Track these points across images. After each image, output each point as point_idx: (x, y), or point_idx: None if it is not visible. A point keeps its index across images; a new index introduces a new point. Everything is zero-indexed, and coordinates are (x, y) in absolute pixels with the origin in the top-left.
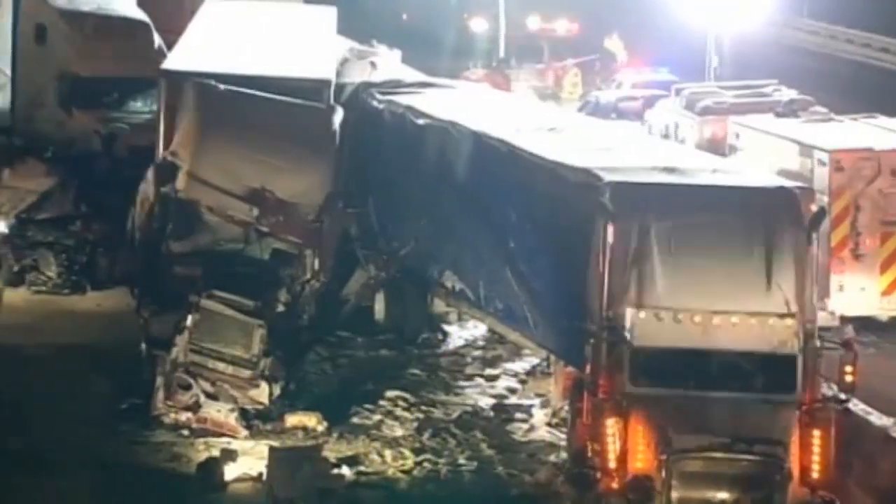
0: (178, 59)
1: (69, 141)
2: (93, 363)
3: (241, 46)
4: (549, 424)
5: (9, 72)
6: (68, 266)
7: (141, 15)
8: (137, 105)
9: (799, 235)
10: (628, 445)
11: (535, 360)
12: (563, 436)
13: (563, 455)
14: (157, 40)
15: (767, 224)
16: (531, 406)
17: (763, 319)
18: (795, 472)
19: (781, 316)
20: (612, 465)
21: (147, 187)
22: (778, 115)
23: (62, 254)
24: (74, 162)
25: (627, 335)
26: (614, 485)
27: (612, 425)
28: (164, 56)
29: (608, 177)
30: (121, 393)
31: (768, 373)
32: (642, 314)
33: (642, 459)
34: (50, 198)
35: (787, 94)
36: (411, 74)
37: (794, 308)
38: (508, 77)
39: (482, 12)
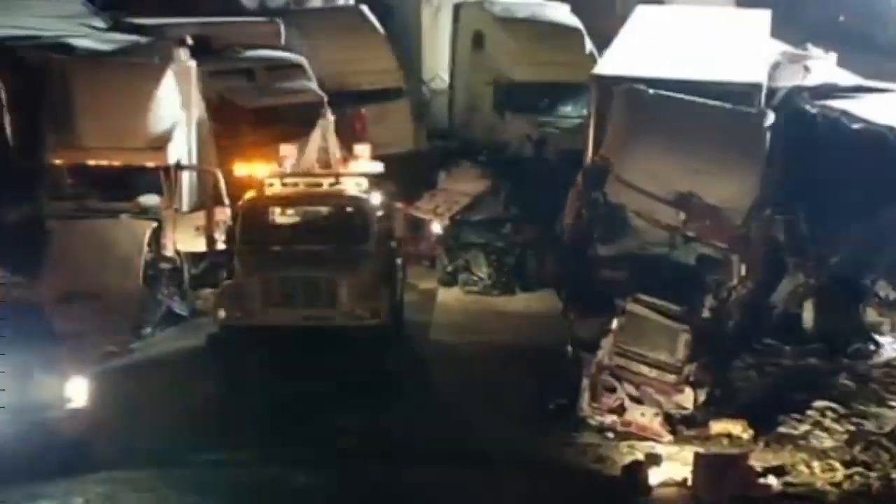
0: (609, 63)
1: (502, 145)
2: (521, 363)
3: (671, 51)
4: None
5: (447, 78)
6: (498, 267)
7: (574, 21)
8: (568, 109)
9: None
10: None
11: None
12: None
13: None
14: (589, 45)
15: None
16: None
17: None
18: None
19: None
20: None
21: (576, 191)
22: None
23: (493, 255)
24: (506, 165)
25: None
26: None
27: None
28: (595, 61)
29: None
30: (548, 393)
31: None
32: None
33: None
34: (482, 200)
35: None
36: (847, 78)
37: None
38: None
39: None
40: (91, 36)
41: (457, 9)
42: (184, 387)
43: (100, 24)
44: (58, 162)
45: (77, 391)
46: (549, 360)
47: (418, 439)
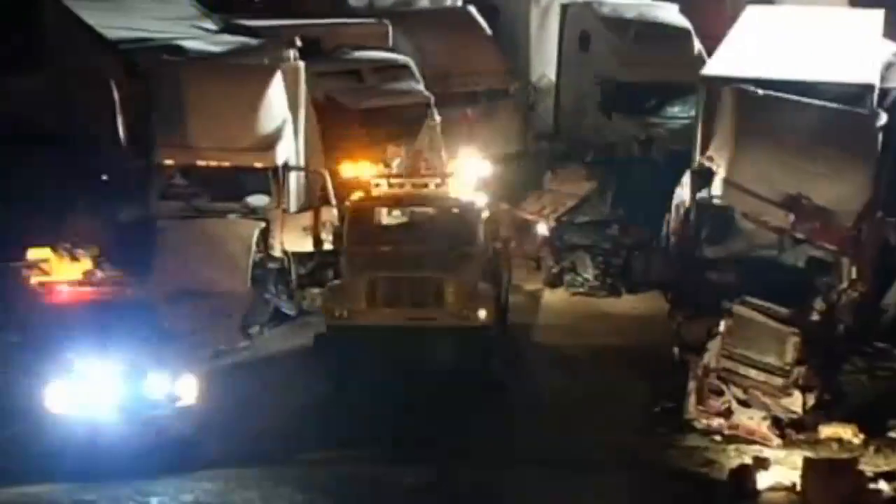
0: (718, 64)
1: (608, 146)
2: (627, 365)
3: (781, 51)
4: None
5: (554, 79)
6: (604, 269)
7: (682, 21)
8: (675, 110)
9: None
10: None
11: None
12: None
13: None
14: (697, 46)
15: None
16: None
17: None
18: None
19: None
20: None
21: (683, 192)
22: None
23: (599, 257)
24: (613, 166)
25: None
26: None
27: None
28: (703, 62)
29: None
30: (654, 396)
31: None
32: None
33: None
34: (589, 201)
35: None
36: None
37: None
38: None
39: None
40: (202, 38)
41: (564, 9)
42: (291, 385)
43: (210, 26)
44: (168, 163)
45: (187, 389)
46: (656, 362)
47: (521, 440)
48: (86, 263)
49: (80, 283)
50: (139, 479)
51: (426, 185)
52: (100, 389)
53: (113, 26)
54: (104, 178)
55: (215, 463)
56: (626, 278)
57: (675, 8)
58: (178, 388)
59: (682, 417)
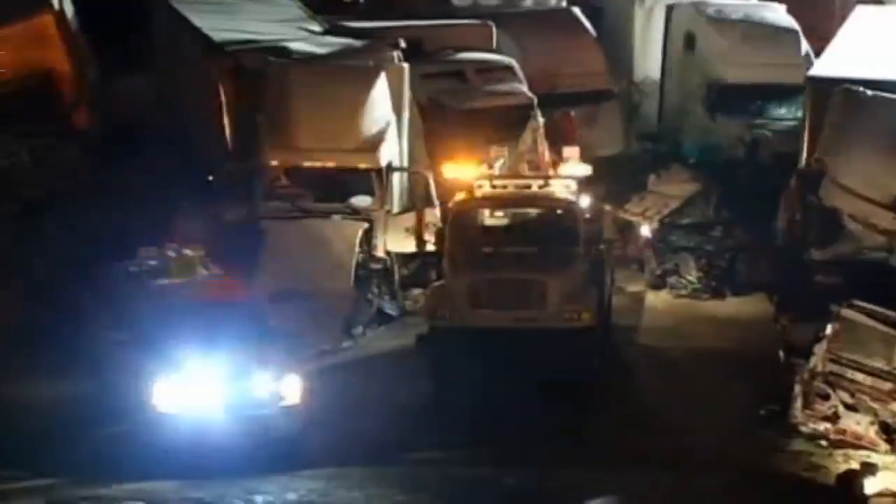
0: (826, 65)
1: (713, 147)
2: (731, 368)
3: (891, 52)
4: None
5: (657, 79)
6: (708, 271)
7: (790, 22)
8: (781, 112)
9: None
10: None
11: None
12: None
13: None
14: (805, 47)
15: None
16: None
17: None
18: None
19: None
20: None
21: (790, 194)
22: None
23: (703, 259)
24: (718, 168)
25: None
26: None
27: None
28: (811, 63)
29: None
30: (759, 399)
31: None
32: None
33: None
34: (692, 203)
35: None
36: None
37: None
38: None
39: None
40: (307, 40)
41: (669, 10)
42: (394, 386)
43: (315, 27)
44: (273, 163)
45: (291, 389)
46: (761, 365)
47: (623, 443)
48: (193, 263)
49: (188, 283)
50: (244, 478)
51: (529, 186)
52: (206, 388)
53: (220, 28)
54: (210, 178)
55: (319, 462)
56: (731, 281)
57: (782, 8)
58: (283, 388)
59: (787, 421)
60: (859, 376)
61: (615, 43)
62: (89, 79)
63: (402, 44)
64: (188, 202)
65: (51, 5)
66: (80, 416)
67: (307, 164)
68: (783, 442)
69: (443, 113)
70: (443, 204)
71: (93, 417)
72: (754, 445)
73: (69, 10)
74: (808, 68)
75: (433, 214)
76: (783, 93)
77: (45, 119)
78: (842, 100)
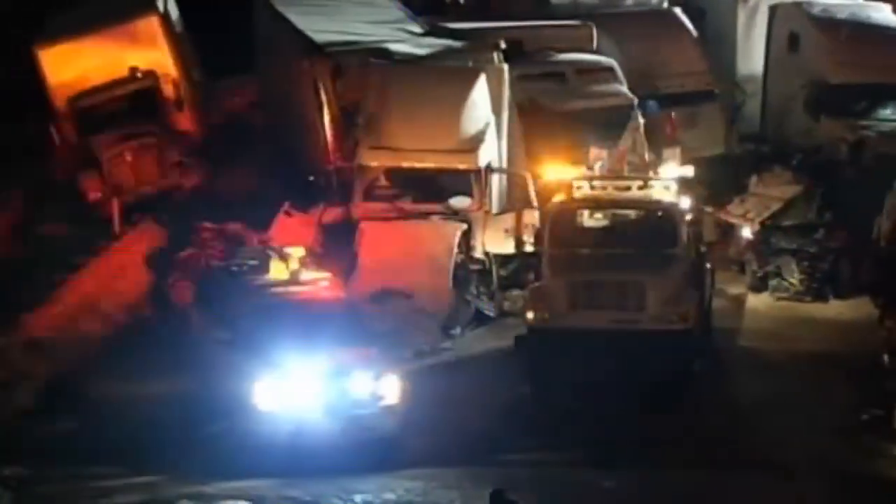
0: None
1: (816, 148)
2: (833, 372)
3: None
4: None
5: (760, 79)
6: (811, 273)
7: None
8: (886, 113)
9: None
10: None
11: None
12: None
13: None
14: None
15: None
16: None
17: None
18: None
19: None
20: None
21: (894, 195)
22: None
23: (805, 261)
24: (820, 169)
25: None
26: None
27: None
28: None
29: None
30: (861, 403)
31: None
32: None
33: None
34: (794, 205)
35: None
36: None
37: None
38: None
39: None
40: (407, 41)
41: (773, 10)
42: (492, 387)
43: (416, 28)
44: (373, 164)
45: (390, 388)
46: (864, 369)
47: (722, 446)
48: (293, 263)
49: (288, 283)
50: (343, 477)
51: (629, 188)
52: (306, 388)
53: (321, 29)
54: (310, 178)
55: (417, 462)
56: (834, 283)
57: (888, 8)
58: (382, 388)
59: (890, 427)
60: None
61: (717, 43)
62: (193, 80)
63: (503, 45)
64: (289, 202)
65: (156, 7)
66: (183, 415)
67: (406, 164)
68: (885, 447)
69: (542, 114)
70: (542, 205)
71: (195, 416)
72: (856, 450)
73: (174, 11)
74: None
75: (532, 215)
76: (889, 94)
77: (149, 120)
78: None
